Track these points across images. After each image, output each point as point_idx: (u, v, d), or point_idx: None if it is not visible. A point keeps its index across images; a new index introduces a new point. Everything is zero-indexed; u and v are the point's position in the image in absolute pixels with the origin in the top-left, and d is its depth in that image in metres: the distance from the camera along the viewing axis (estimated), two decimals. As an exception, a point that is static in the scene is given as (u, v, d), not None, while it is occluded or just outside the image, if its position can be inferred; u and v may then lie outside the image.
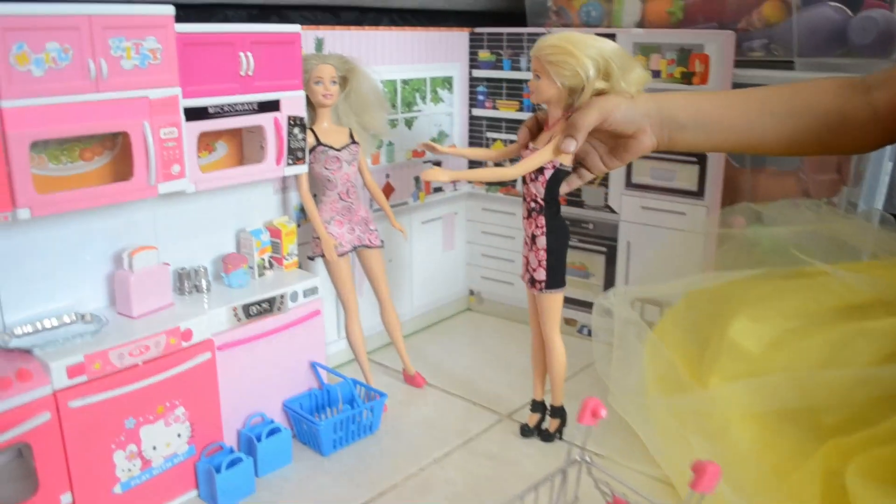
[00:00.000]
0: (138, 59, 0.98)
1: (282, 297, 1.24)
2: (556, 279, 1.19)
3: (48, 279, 1.05)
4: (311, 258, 1.37)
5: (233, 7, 1.34)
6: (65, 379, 0.95)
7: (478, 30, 1.72)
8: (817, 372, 1.10)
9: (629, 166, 1.56)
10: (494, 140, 1.76)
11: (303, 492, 1.16)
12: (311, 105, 1.31)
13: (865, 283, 1.19)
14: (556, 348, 1.24)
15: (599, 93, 1.10)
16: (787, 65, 1.38)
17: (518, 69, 1.67)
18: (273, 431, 1.20)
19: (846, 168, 1.47)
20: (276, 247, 1.31)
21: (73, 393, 0.96)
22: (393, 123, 1.59)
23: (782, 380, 1.10)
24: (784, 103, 1.06)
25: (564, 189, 1.18)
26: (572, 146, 1.09)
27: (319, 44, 1.40)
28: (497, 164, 1.40)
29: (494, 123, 1.75)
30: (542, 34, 1.60)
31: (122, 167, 1.09)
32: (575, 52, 1.06)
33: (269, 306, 1.22)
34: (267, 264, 1.29)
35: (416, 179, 1.69)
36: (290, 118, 1.22)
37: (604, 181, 1.61)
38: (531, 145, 1.17)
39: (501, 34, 1.68)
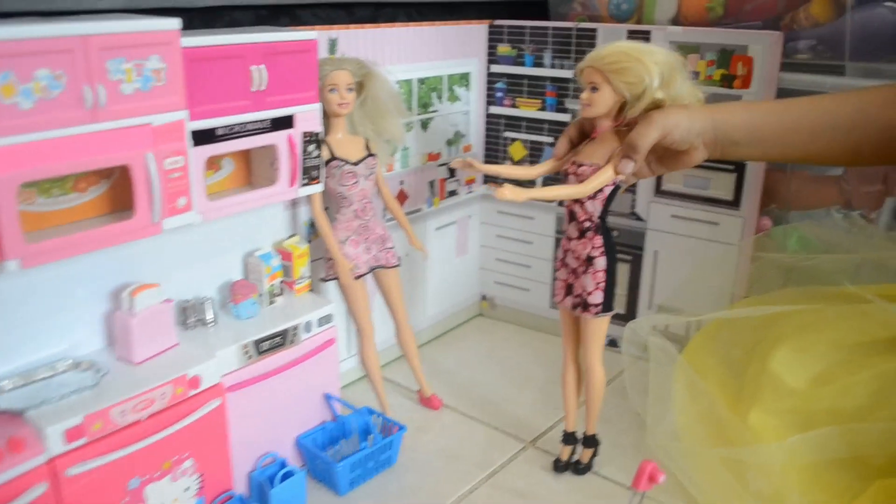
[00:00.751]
0: (140, 82, 0.86)
1: (295, 328, 1.14)
2: (611, 301, 1.12)
3: (37, 322, 0.95)
4: (325, 280, 1.27)
5: (240, 8, 1.20)
6: (62, 444, 0.85)
7: (497, 22, 1.59)
8: (869, 425, 1.04)
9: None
10: (513, 140, 1.65)
11: (321, 541, 1.08)
12: (323, 114, 1.19)
13: None
14: (598, 375, 1.16)
15: (655, 105, 1.01)
16: (837, 69, 1.27)
17: (541, 65, 1.56)
18: (287, 475, 1.11)
19: (893, 178, 1.38)
20: (286, 270, 1.21)
21: (72, 458, 0.86)
22: (408, 127, 1.47)
23: (832, 432, 1.04)
24: (847, 115, 0.98)
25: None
26: (629, 167, 1.03)
27: (333, 45, 1.28)
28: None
29: (513, 122, 1.63)
30: (568, 28, 1.50)
31: (120, 197, 0.98)
32: (642, 58, 1.00)
33: (281, 340, 1.12)
34: (277, 290, 1.19)
35: (431, 184, 1.58)
36: (304, 134, 1.10)
37: (631, 188, 1.52)
38: (575, 159, 1.07)
39: (524, 27, 1.56)
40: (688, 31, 1.36)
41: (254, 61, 1.00)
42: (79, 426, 0.86)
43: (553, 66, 1.54)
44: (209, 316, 1.11)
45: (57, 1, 0.95)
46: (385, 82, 1.26)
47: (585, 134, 1.11)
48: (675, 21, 1.44)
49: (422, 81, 1.48)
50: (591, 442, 1.21)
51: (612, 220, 1.55)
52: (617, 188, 1.07)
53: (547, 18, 1.60)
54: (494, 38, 1.61)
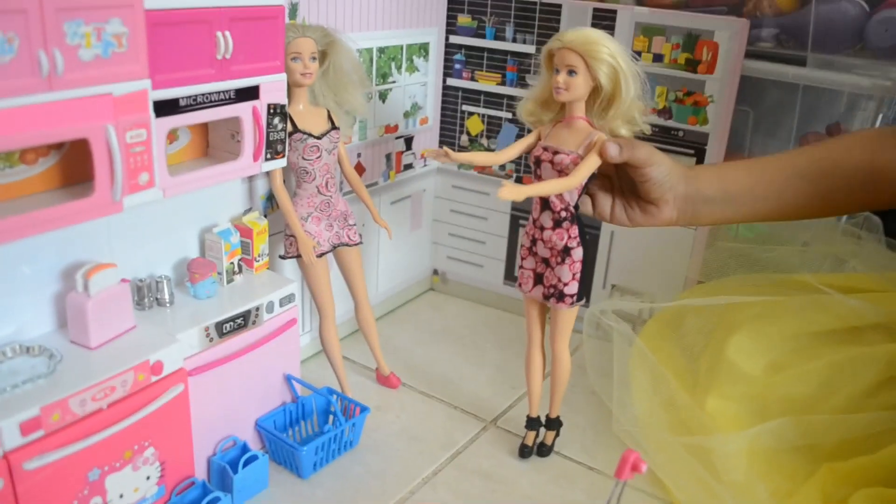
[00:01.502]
0: (100, 48, 0.79)
1: (257, 309, 1.10)
2: (584, 291, 1.12)
3: (-19, 303, 0.87)
4: (284, 258, 1.22)
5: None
6: (18, 437, 0.79)
7: (458, -9, 1.56)
8: (818, 417, 1.09)
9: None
10: (471, 114, 1.62)
11: (286, 526, 1.06)
12: (286, 84, 1.13)
13: (866, 309, 1.17)
14: (565, 363, 1.17)
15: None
16: (799, 60, 1.30)
17: (503, 39, 1.53)
18: (250, 459, 1.07)
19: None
20: (245, 247, 1.16)
21: (28, 452, 0.80)
22: (368, 97, 1.42)
23: (787, 423, 1.08)
24: (813, 164, 0.98)
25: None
26: (615, 150, 0.97)
27: (294, 9, 1.21)
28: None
29: (472, 96, 1.61)
30: (532, 2, 1.47)
31: (72, 170, 0.91)
32: (617, 56, 0.98)
33: (243, 321, 1.08)
34: (236, 268, 1.14)
35: (388, 157, 1.54)
36: (269, 106, 1.05)
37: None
38: (548, 144, 1.06)
39: (486, -1, 1.53)
40: (654, 13, 1.36)
41: (219, 27, 0.93)
42: (35, 418, 0.80)
43: (515, 41, 1.52)
44: (166, 296, 1.05)
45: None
46: (349, 52, 1.21)
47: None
48: (641, 2, 1.44)
49: (381, 51, 1.43)
50: (554, 424, 1.22)
51: (569, 198, 1.56)
52: (593, 178, 1.04)
53: (509, -10, 1.56)
54: (454, 7, 1.56)
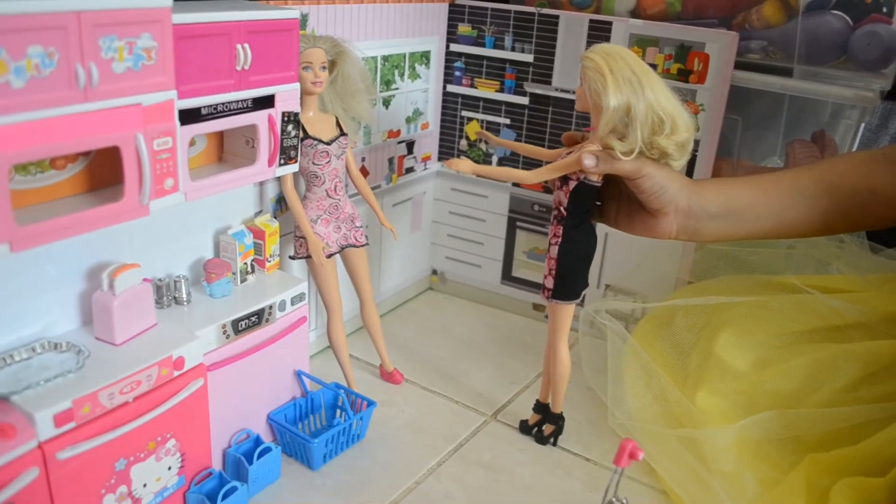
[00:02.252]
0: (131, 61, 0.84)
1: (270, 307, 1.15)
2: (563, 291, 1.16)
3: (10, 303, 0.92)
4: (294, 258, 1.27)
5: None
6: (52, 429, 0.84)
7: (458, 1, 1.61)
8: (803, 410, 1.15)
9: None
10: (469, 119, 1.68)
11: (299, 515, 1.11)
12: (297, 92, 1.18)
13: (847, 309, 1.23)
14: (561, 358, 1.22)
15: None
16: (786, 71, 1.36)
17: (502, 47, 1.58)
18: (264, 451, 1.12)
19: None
20: (258, 248, 1.21)
21: (62, 442, 0.85)
22: (372, 104, 1.47)
23: (774, 416, 1.14)
24: (813, 184, 1.02)
25: None
26: (590, 161, 1.02)
27: (304, 20, 1.26)
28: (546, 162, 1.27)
29: (471, 102, 1.66)
30: (530, 13, 1.53)
31: (97, 175, 0.96)
32: (608, 77, 0.99)
33: (258, 319, 1.13)
34: (249, 269, 1.19)
35: (390, 161, 1.59)
36: (284, 114, 1.10)
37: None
38: (566, 152, 1.12)
39: (486, 9, 1.58)
40: (648, 25, 1.42)
41: (239, 39, 0.98)
42: (68, 410, 0.85)
43: (513, 50, 1.57)
44: (184, 295, 1.10)
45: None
46: (357, 61, 1.26)
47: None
48: (635, 13, 1.50)
49: (386, 59, 1.48)
50: (554, 419, 1.28)
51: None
52: (584, 185, 1.08)
53: (508, 1, 1.62)
54: (455, 17, 1.62)
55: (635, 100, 0.99)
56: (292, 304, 1.19)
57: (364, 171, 1.52)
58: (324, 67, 1.18)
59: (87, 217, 0.85)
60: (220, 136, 1.14)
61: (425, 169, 1.71)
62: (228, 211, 1.20)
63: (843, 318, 1.24)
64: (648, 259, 1.54)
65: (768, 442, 1.16)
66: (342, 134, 1.24)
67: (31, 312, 0.95)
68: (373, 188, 1.56)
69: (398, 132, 1.58)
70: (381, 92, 1.49)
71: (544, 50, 1.54)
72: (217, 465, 1.11)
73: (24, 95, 0.75)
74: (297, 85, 1.11)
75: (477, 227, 1.75)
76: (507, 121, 1.63)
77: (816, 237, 1.44)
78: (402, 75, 1.54)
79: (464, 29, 1.61)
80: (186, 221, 1.13)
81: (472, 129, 1.68)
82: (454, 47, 1.64)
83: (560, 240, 1.14)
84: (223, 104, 1.00)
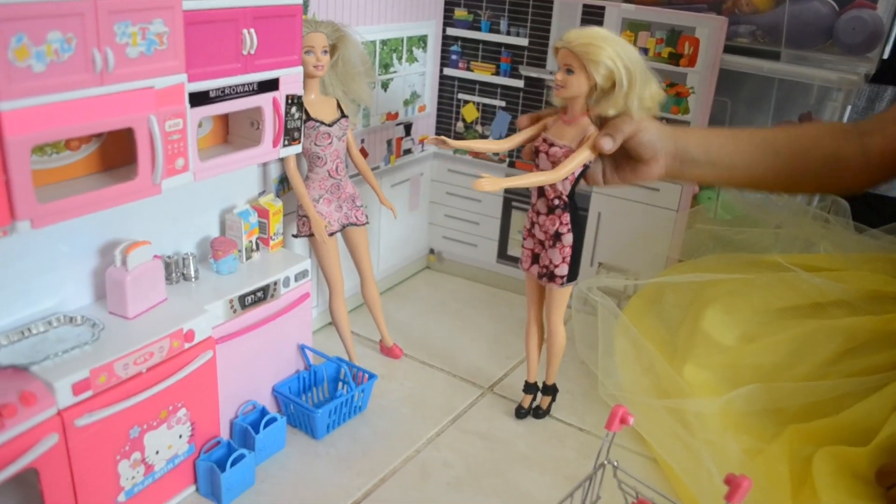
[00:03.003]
0: (144, 46, 0.87)
1: (275, 283, 1.19)
2: (575, 272, 1.21)
3: (27, 278, 0.96)
4: (297, 236, 1.31)
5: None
6: (70, 397, 0.88)
7: (455, -15, 1.64)
8: (785, 384, 1.20)
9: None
10: (466, 102, 1.71)
11: (302, 480, 1.15)
12: (299, 75, 1.22)
13: (830, 286, 1.28)
14: (560, 335, 1.27)
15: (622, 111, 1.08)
16: (774, 55, 1.40)
17: (497, 31, 1.62)
18: (270, 421, 1.17)
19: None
20: (262, 227, 1.25)
21: (79, 410, 0.90)
22: (371, 87, 1.51)
23: (758, 389, 1.19)
24: (787, 144, 1.08)
25: None
26: (609, 144, 1.05)
27: (305, 4, 1.29)
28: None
29: (467, 85, 1.70)
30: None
31: (110, 155, 1.00)
32: (614, 56, 1.03)
33: (263, 295, 1.17)
34: (254, 246, 1.23)
35: (388, 143, 1.63)
36: (288, 97, 1.13)
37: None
38: (546, 136, 1.14)
39: (481, -7, 1.61)
40: (640, 10, 1.45)
41: (245, 25, 1.02)
42: (85, 380, 0.89)
43: (509, 33, 1.61)
44: (192, 271, 1.14)
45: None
46: (357, 45, 1.29)
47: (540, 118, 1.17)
48: (627, -2, 1.53)
49: (384, 43, 1.52)
50: (550, 390, 1.33)
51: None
52: (585, 168, 1.11)
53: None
54: (451, 1, 1.65)
55: (632, 66, 1.05)
56: (296, 280, 1.23)
57: (363, 153, 1.56)
58: (325, 51, 1.21)
59: (103, 195, 0.89)
60: (225, 118, 1.17)
61: (423, 151, 1.75)
62: (233, 191, 1.24)
63: (826, 296, 1.29)
64: (640, 238, 1.59)
65: (752, 413, 1.21)
66: (343, 116, 1.28)
67: (46, 288, 0.99)
68: (372, 169, 1.59)
69: (396, 114, 1.62)
70: (379, 75, 1.53)
71: (539, 34, 1.57)
72: (225, 435, 1.16)
73: (44, 79, 0.78)
74: (300, 68, 1.14)
75: (473, 208, 1.79)
76: (503, 103, 1.67)
77: (798, 205, 1.50)
78: (400, 59, 1.57)
79: (460, 13, 1.64)
80: (193, 201, 1.17)
81: (468, 112, 1.72)
82: (451, 31, 1.67)
83: (570, 227, 1.17)
84: (230, 87, 1.03)
